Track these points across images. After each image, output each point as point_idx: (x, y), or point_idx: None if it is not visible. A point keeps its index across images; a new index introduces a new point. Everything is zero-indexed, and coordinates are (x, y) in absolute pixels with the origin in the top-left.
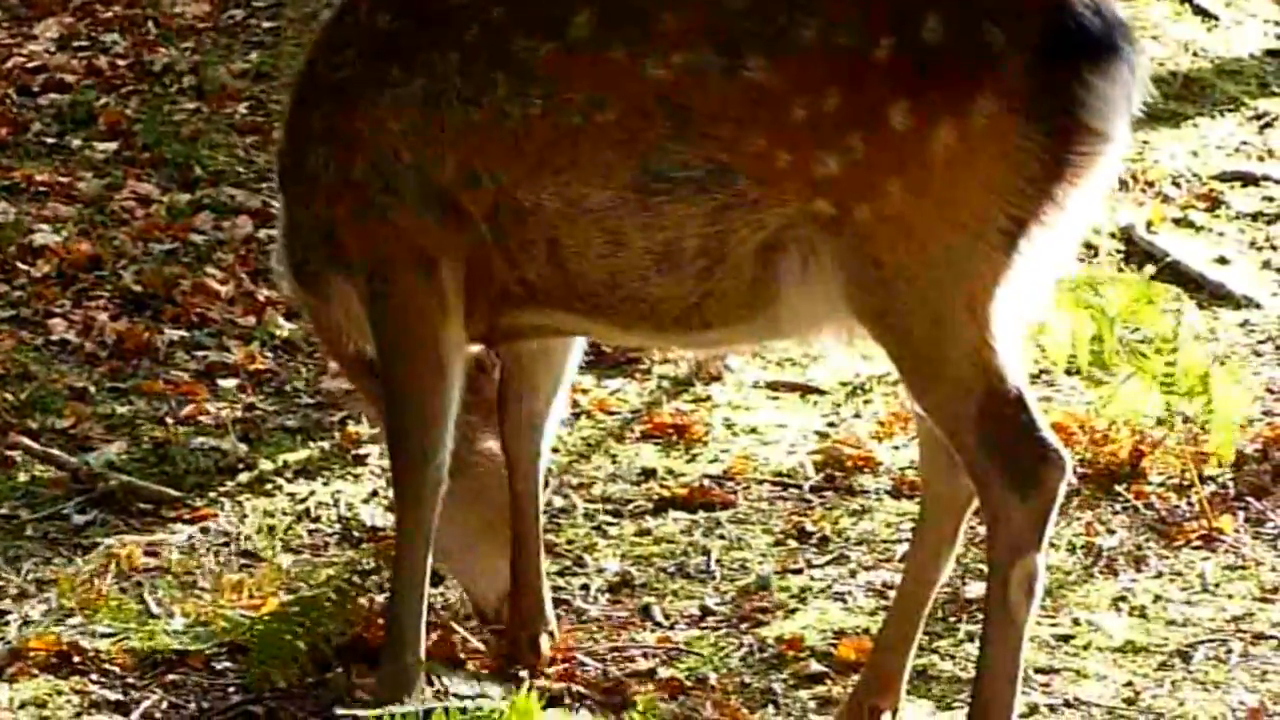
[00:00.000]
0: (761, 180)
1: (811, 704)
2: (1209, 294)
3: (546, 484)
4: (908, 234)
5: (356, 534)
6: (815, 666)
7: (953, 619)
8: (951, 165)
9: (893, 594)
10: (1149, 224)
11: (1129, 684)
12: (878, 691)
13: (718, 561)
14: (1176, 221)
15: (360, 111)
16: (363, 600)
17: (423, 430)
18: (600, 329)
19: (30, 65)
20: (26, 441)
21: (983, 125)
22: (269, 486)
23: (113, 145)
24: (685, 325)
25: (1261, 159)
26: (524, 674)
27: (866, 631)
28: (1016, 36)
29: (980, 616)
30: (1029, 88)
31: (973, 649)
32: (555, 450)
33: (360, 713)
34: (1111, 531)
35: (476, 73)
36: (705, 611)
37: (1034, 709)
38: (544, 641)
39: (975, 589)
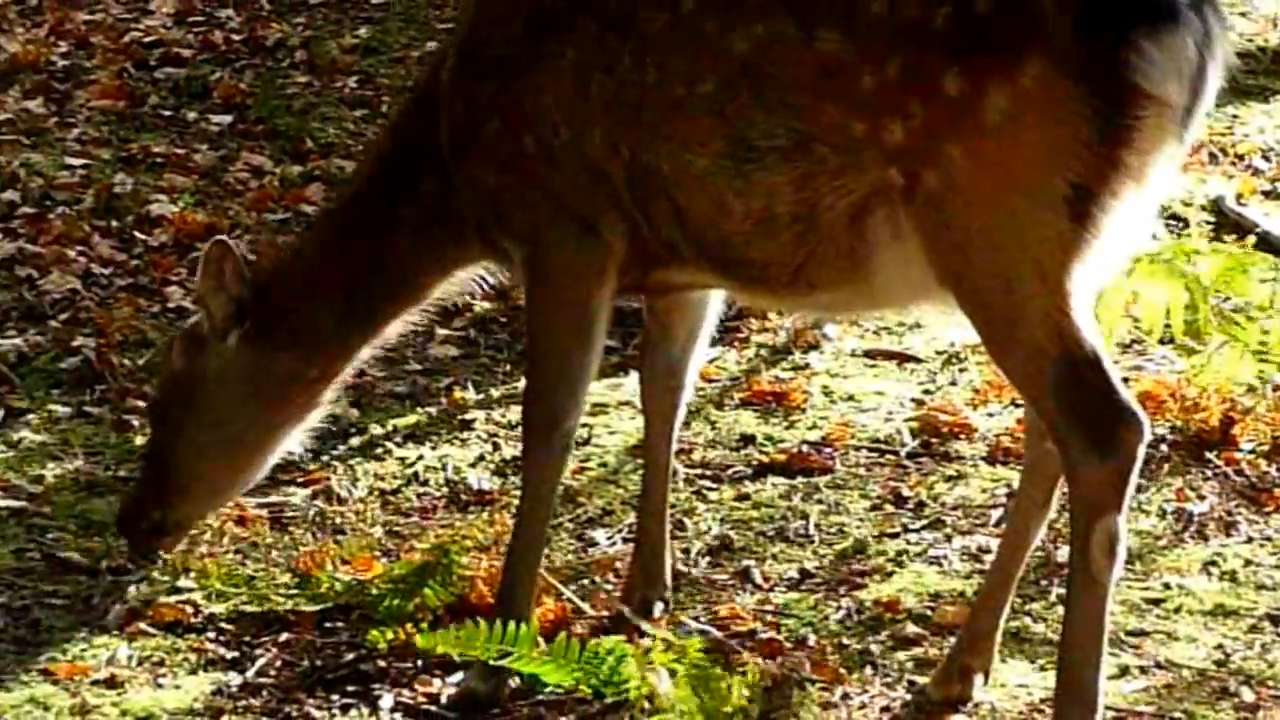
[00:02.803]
0: (840, 149)
1: (909, 665)
2: None
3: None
4: (972, 200)
5: (463, 497)
6: (912, 629)
7: (1044, 582)
8: (1005, 129)
9: (989, 558)
10: (1239, 196)
11: (1219, 646)
12: (971, 652)
13: (816, 526)
14: (1266, 194)
15: (524, 84)
16: (469, 562)
17: (560, 391)
18: (731, 287)
19: (147, 40)
20: (144, 405)
21: (1032, 88)
22: (379, 451)
23: (227, 118)
24: (794, 288)
25: None
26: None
27: (962, 595)
28: (1067, 2)
29: None
30: (1078, 51)
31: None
32: None
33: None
34: (1202, 497)
35: (611, 43)
36: (804, 574)
37: (1125, 670)
38: (657, 607)
39: (1067, 553)
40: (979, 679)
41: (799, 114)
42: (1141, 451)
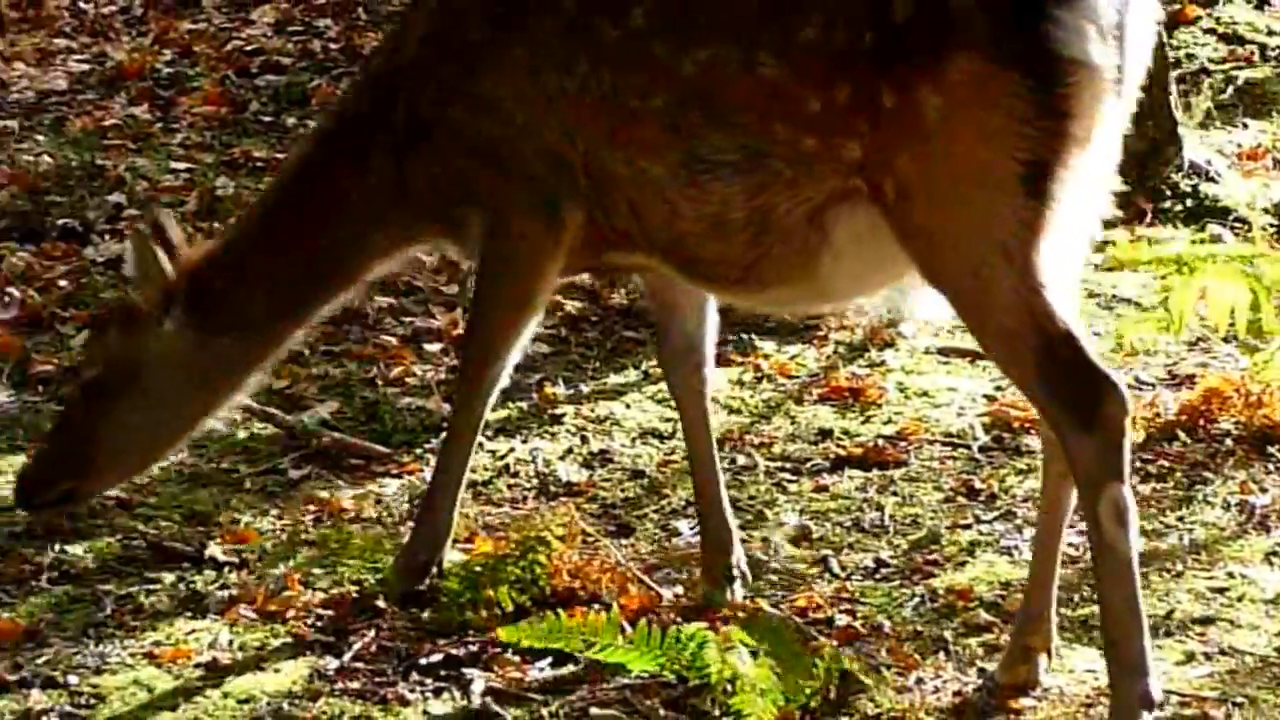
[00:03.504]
0: (794, 162)
1: (980, 651)
2: None
3: (728, 443)
4: (930, 198)
5: (552, 489)
6: (984, 616)
7: None
8: (944, 127)
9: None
10: None
11: None
12: (1029, 632)
13: (891, 517)
14: None
15: (484, 72)
16: (555, 550)
17: (496, 344)
18: (682, 278)
19: (249, 49)
20: (246, 401)
21: (961, 82)
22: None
23: None
24: (744, 284)
25: None
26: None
27: None
28: None
29: (1140, 570)
30: (998, 36)
31: None
32: (737, 411)
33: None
34: (1264, 490)
35: (569, 45)
36: (879, 563)
37: (1191, 656)
38: (736, 589)
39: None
40: (1043, 661)
41: (748, 131)
42: (1128, 421)
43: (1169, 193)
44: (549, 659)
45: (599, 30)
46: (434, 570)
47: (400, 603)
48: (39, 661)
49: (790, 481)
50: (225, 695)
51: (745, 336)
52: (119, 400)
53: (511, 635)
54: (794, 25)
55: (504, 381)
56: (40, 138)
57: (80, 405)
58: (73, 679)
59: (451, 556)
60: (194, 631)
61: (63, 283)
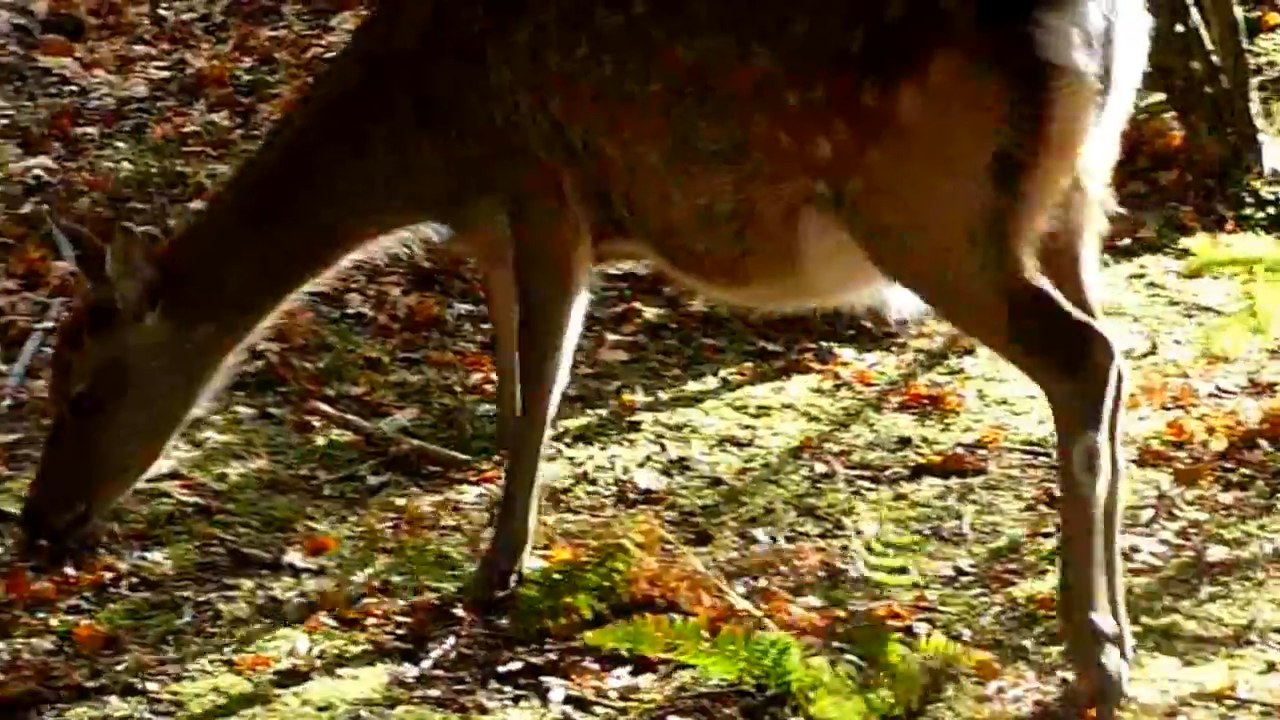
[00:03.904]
0: (772, 157)
1: (1061, 659)
2: None
3: (807, 451)
4: (897, 193)
5: (631, 496)
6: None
7: (1194, 581)
8: (921, 126)
9: (1139, 557)
10: None
11: None
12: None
13: (970, 525)
14: None
15: (490, 61)
16: (634, 558)
17: (553, 330)
18: (672, 271)
19: (328, 55)
20: (325, 407)
21: (943, 83)
22: (550, 451)
23: None
24: (731, 278)
25: None
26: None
27: None
28: None
29: (1222, 579)
30: (985, 39)
31: (1214, 609)
32: (816, 419)
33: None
34: None
35: (568, 29)
36: (958, 572)
37: (1271, 666)
38: None
39: (1217, 553)
40: (1124, 669)
41: (737, 123)
42: (1114, 371)
43: (1250, 200)
44: (628, 667)
45: (599, 16)
46: (514, 578)
47: (480, 610)
48: (118, 668)
49: (869, 489)
50: (304, 703)
51: (824, 345)
52: (115, 407)
53: (598, 639)
54: (788, 19)
55: (564, 379)
56: (120, 144)
57: (74, 423)
58: (151, 686)
59: (530, 564)
60: (273, 638)
61: None
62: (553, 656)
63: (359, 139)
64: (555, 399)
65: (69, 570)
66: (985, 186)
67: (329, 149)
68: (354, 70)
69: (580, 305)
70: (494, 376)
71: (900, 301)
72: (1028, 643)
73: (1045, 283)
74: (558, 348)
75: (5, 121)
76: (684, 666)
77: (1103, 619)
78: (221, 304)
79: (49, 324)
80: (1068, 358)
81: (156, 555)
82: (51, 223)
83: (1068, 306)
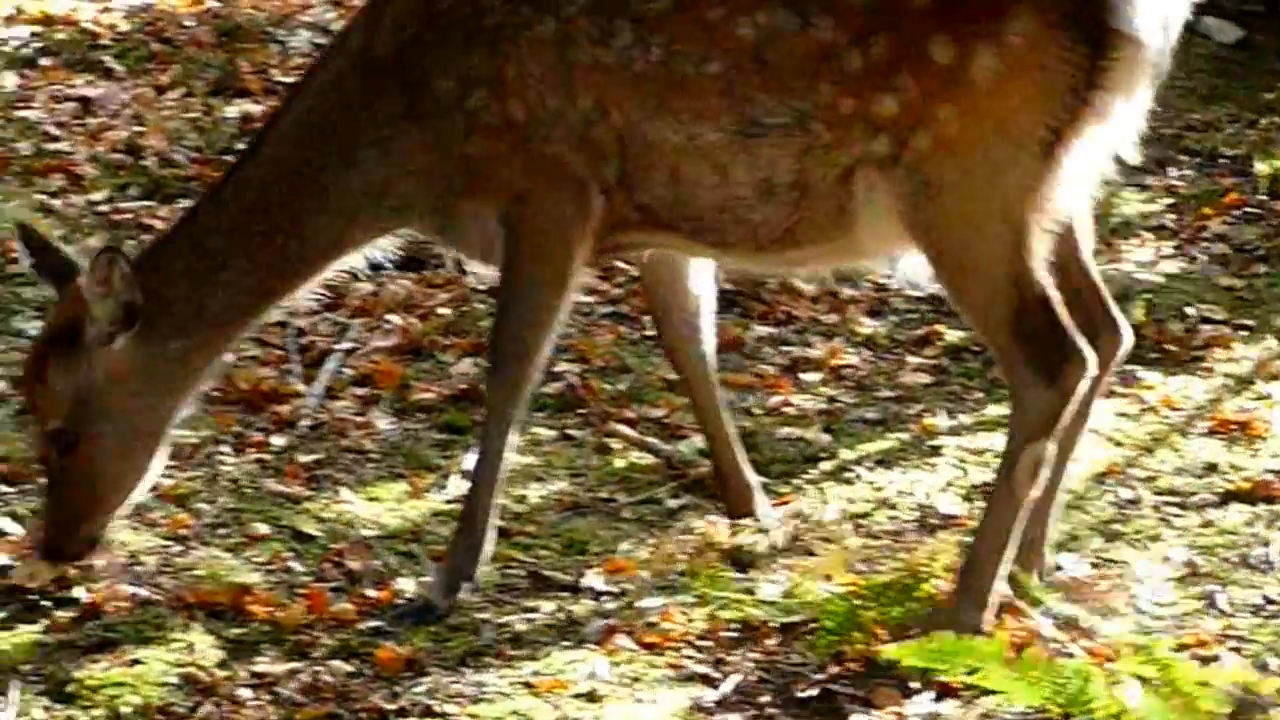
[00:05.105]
0: (832, 125)
1: None
2: None
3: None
4: (956, 153)
5: (933, 522)
6: None
7: None
8: (996, 85)
9: None
10: None
11: None
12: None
13: (1279, 553)
14: None
15: (507, 54)
16: (936, 583)
17: (534, 330)
18: (701, 247)
19: None
20: (624, 430)
21: (1020, 45)
22: (849, 475)
23: None
24: (781, 244)
25: None
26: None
27: None
28: None
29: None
30: (1063, 2)
31: None
32: (1120, 444)
33: None
34: None
35: (603, 19)
36: (1267, 601)
37: None
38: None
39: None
40: None
41: (799, 94)
42: (1084, 387)
43: None
44: (929, 694)
45: (637, 1)
46: (467, 582)
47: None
48: (417, 691)
49: (1176, 516)
50: None
51: (1128, 368)
52: (94, 436)
53: (899, 655)
54: None
55: (534, 382)
56: None
57: (59, 458)
58: (450, 708)
59: (829, 589)
60: (572, 661)
61: (443, 310)
62: (850, 683)
63: (347, 144)
64: (523, 405)
65: (367, 591)
66: (1036, 157)
67: (316, 156)
68: (343, 72)
69: (567, 307)
70: (793, 400)
71: (909, 270)
72: None
73: (1052, 289)
74: (536, 351)
75: None
76: (986, 693)
77: (988, 618)
78: (200, 320)
79: (348, 344)
80: (1051, 368)
81: None
82: (16, 231)
83: (1065, 319)
